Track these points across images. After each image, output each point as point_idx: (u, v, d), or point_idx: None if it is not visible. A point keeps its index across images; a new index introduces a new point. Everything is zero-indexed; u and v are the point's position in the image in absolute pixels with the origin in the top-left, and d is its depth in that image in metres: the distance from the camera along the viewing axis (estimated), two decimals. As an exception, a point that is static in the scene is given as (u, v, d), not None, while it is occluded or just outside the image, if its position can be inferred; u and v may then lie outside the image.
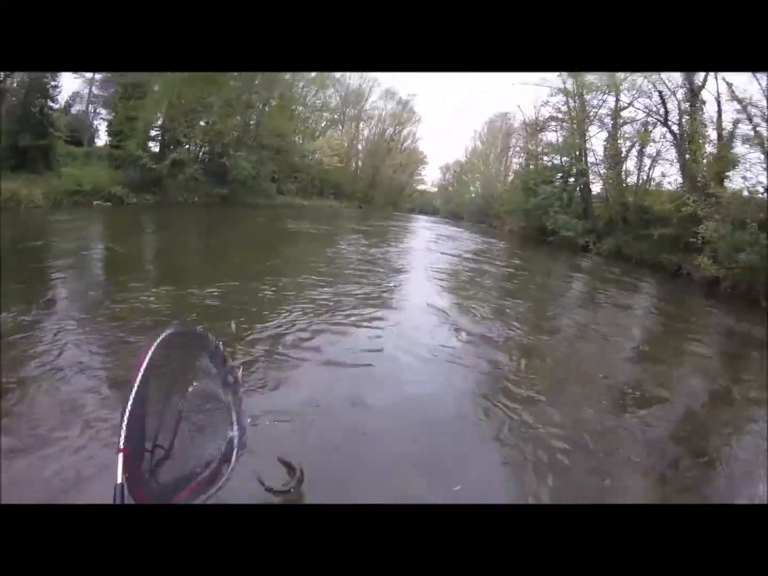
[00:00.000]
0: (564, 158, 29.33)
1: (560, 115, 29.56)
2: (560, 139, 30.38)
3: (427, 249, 17.76)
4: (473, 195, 55.01)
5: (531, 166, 32.80)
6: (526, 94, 52.00)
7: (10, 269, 7.35)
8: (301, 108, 42.46)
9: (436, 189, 69.90)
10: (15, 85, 19.71)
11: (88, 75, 25.42)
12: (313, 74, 40.83)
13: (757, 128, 16.42)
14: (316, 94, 43.88)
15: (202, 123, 26.06)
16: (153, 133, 25.37)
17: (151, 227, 16.39)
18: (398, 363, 5.22)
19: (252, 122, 31.13)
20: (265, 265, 10.51)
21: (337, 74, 46.02)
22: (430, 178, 71.96)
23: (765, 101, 15.64)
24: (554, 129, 30.63)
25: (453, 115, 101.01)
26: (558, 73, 26.36)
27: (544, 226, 26.09)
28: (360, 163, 55.39)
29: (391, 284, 9.71)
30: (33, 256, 8.90)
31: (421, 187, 70.39)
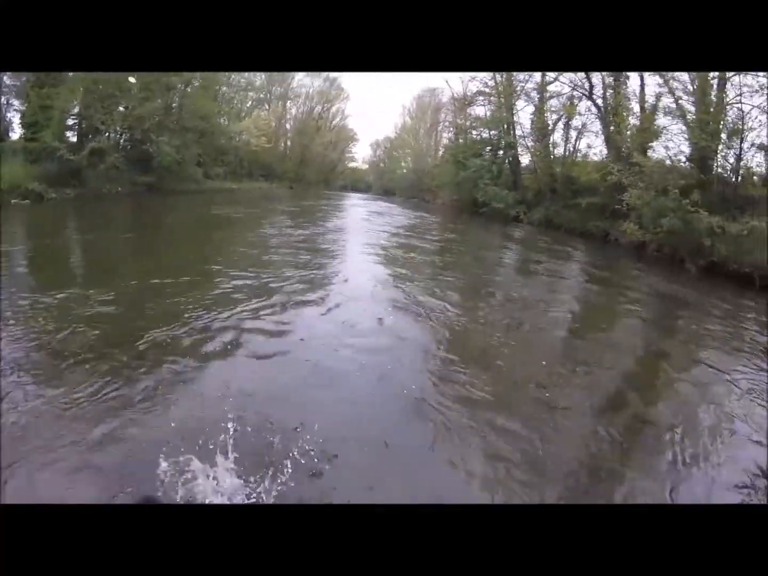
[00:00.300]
0: (492, 132, 30.41)
1: (488, 90, 30.48)
2: (488, 114, 31.39)
3: (357, 228, 17.96)
4: (404, 171, 55.65)
5: (461, 141, 33.61)
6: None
7: None
8: (225, 88, 41.03)
9: (367, 166, 70.57)
10: None
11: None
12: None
13: (679, 101, 17.67)
14: (240, 74, 42.21)
15: (121, 108, 24.71)
16: (70, 122, 23.88)
17: (69, 223, 15.47)
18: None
19: (174, 105, 29.79)
20: (180, 257, 10.18)
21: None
22: (361, 155, 72.51)
23: (686, 75, 16.63)
24: (482, 103, 31.75)
25: (381, 91, 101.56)
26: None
27: (476, 199, 26.97)
28: (289, 143, 54.61)
29: (314, 270, 9.44)
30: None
31: (352, 164, 70.81)
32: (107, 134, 24.39)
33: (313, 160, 56.06)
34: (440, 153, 45.38)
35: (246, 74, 42.60)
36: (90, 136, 23.28)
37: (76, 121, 24.09)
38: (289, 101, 53.75)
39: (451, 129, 39.08)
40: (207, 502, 1.81)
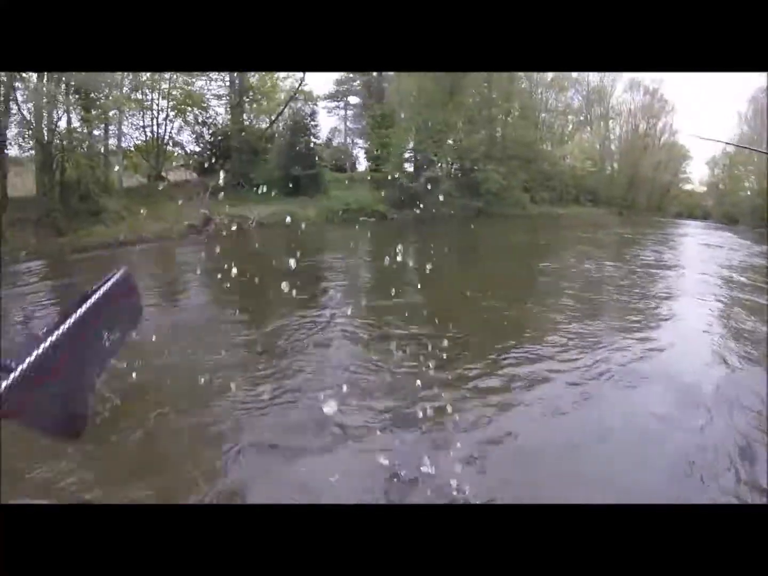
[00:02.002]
0: None
1: None
2: None
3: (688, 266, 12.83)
4: (748, 192, 44.58)
5: None
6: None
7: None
8: (544, 114, 40.37)
9: (705, 188, 58.28)
10: (281, 128, 25.69)
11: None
12: (550, 77, 38.86)
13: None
14: (556, 97, 41.28)
15: (449, 142, 26.73)
16: (406, 155, 27.27)
17: (408, 238, 17.37)
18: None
19: (498, 135, 30.63)
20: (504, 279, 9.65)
21: (574, 74, 43.07)
22: (696, 175, 60.11)
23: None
24: None
25: (709, 98, 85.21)
26: None
27: None
28: (615, 165, 49.47)
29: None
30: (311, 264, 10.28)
31: (687, 187, 59.45)
32: (440, 164, 26.40)
33: (643, 183, 49.08)
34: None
35: (563, 98, 41.51)
36: (425, 167, 25.67)
37: (411, 154, 27.29)
38: (611, 120, 49.01)
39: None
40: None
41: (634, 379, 4.57)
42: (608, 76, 46.61)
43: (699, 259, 13.59)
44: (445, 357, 4.36)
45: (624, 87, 47.83)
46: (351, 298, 7.41)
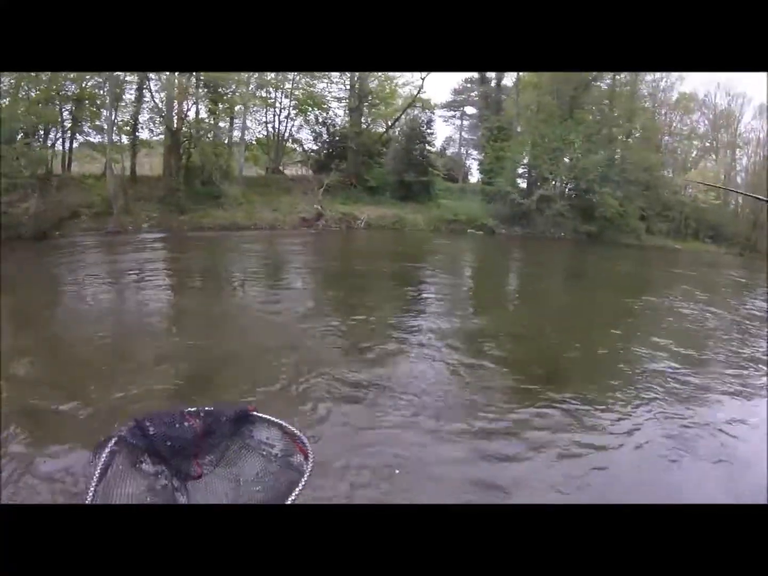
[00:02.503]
0: None
1: None
2: None
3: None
4: None
5: None
6: None
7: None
8: (667, 138, 37.76)
9: None
10: (397, 133, 26.23)
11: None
12: (674, 98, 36.54)
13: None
14: (681, 120, 38.57)
15: (566, 160, 25.74)
16: (520, 170, 26.63)
17: (514, 255, 17.41)
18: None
19: (617, 157, 29.08)
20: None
21: (701, 95, 40.20)
22: None
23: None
24: None
25: None
26: None
27: None
28: (740, 200, 45.57)
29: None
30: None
31: None
32: (554, 183, 25.67)
33: (768, 222, 44.96)
34: None
35: (688, 121, 38.79)
36: (538, 184, 25.10)
37: (525, 170, 26.67)
38: (737, 149, 45.14)
39: None
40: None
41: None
42: (737, 100, 43.18)
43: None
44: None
45: (754, 113, 44.09)
46: (440, 315, 7.20)
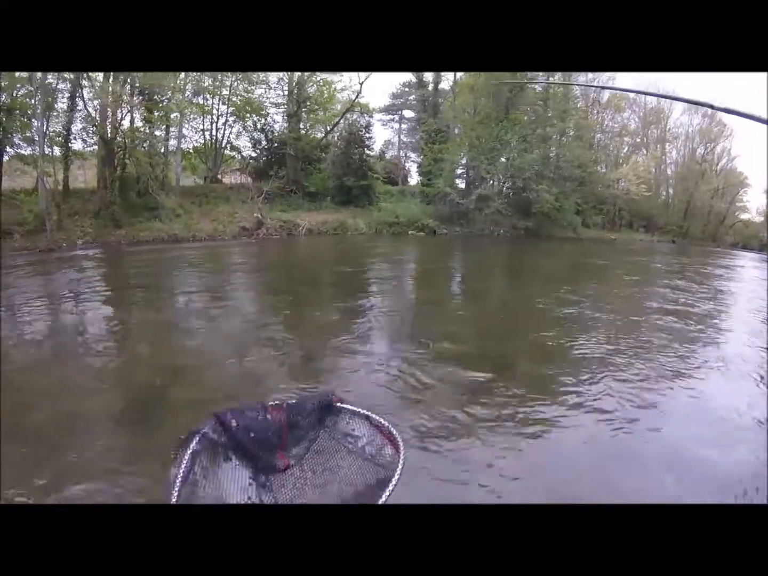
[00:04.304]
0: None
1: None
2: None
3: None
4: None
5: None
6: None
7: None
8: (599, 135, 39.48)
9: (762, 218, 55.82)
10: (336, 138, 26.27)
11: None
12: (606, 97, 38.19)
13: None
14: (612, 118, 40.34)
15: (503, 159, 26.31)
16: (458, 171, 27.39)
17: (455, 253, 17.62)
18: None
19: (551, 155, 30.08)
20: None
21: (631, 95, 42.10)
22: (754, 204, 57.35)
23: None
24: None
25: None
26: None
27: None
28: (671, 191, 47.99)
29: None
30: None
31: (744, 216, 56.31)
32: (492, 182, 26.37)
33: (698, 210, 47.44)
34: None
35: (619, 119, 40.63)
36: (476, 184, 25.75)
37: (464, 170, 27.34)
38: (667, 143, 47.46)
39: None
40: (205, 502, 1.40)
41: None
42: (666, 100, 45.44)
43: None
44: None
45: (682, 109, 46.31)
46: (385, 311, 7.36)
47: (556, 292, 9.66)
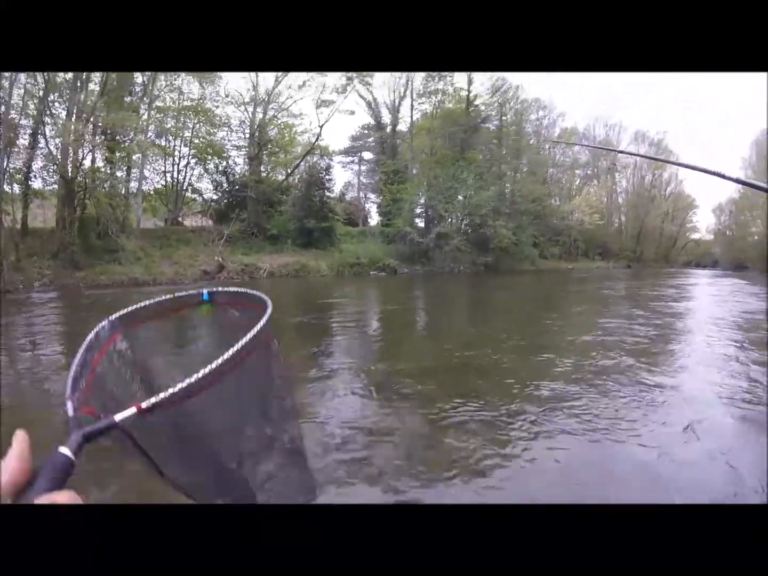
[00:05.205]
0: None
1: None
2: None
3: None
4: (755, 237, 45.92)
5: None
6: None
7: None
8: (552, 170, 41.42)
9: (712, 236, 59.72)
10: (296, 181, 26.46)
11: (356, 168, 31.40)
12: (557, 133, 40.12)
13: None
14: (564, 152, 42.37)
15: (460, 197, 27.24)
16: (417, 211, 27.94)
17: (416, 293, 17.50)
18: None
19: (507, 191, 31.39)
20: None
21: (580, 128, 44.32)
22: (703, 224, 62.17)
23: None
24: None
25: (711, 143, 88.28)
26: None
27: None
28: (623, 218, 50.44)
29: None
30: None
31: (694, 236, 61.18)
32: (450, 220, 27.03)
33: (651, 234, 50.45)
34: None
35: (570, 153, 42.48)
36: (435, 222, 26.34)
37: (422, 210, 27.90)
38: (617, 173, 50.30)
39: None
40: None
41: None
42: (613, 130, 48.05)
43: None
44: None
45: (629, 139, 49.26)
46: (348, 356, 7.52)
47: (511, 325, 10.07)
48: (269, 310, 1.03)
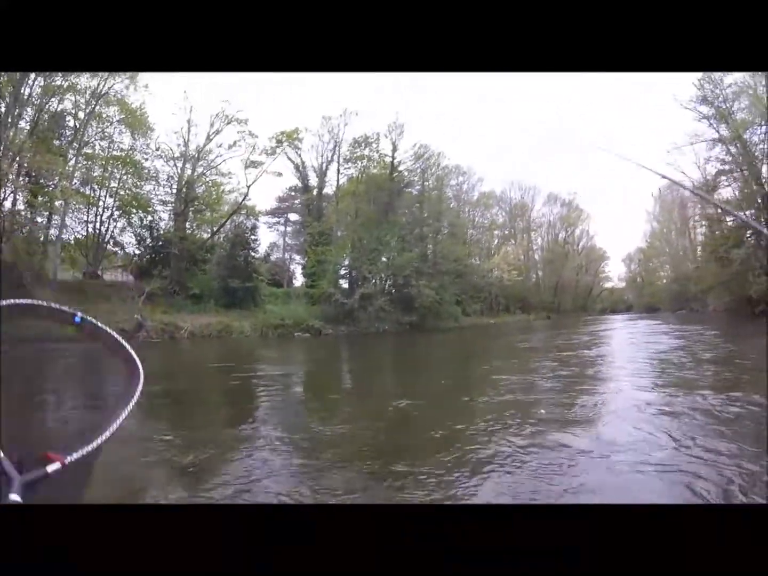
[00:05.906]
0: (749, 211, 25.71)
1: (727, 167, 27.28)
2: (737, 193, 27.32)
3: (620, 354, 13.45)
4: (664, 281, 51.11)
5: (716, 233, 29.32)
6: (685, 156, 42.23)
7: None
8: (471, 231, 43.70)
9: (624, 284, 65.51)
10: (221, 239, 26.53)
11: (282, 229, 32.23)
12: (476, 197, 42.83)
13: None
14: (482, 214, 45.14)
15: (383, 259, 28.29)
16: (342, 272, 28.45)
17: (342, 354, 17.44)
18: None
19: (429, 252, 32.62)
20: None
21: (498, 191, 47.75)
22: (615, 272, 67.26)
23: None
24: (727, 183, 28.28)
25: (620, 201, 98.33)
26: (708, 122, 26.61)
27: (750, 297, 22.30)
28: (540, 273, 53.91)
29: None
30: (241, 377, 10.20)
31: (608, 285, 66.04)
32: (374, 281, 27.70)
33: (567, 286, 54.22)
34: (699, 253, 40.09)
35: (488, 215, 45.43)
36: (359, 283, 26.91)
37: (347, 271, 28.48)
38: (533, 232, 54.16)
39: (703, 223, 34.36)
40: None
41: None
42: (528, 192, 51.96)
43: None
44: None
45: (543, 201, 53.58)
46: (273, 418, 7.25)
47: (431, 383, 10.39)
48: (141, 382, 1.19)
